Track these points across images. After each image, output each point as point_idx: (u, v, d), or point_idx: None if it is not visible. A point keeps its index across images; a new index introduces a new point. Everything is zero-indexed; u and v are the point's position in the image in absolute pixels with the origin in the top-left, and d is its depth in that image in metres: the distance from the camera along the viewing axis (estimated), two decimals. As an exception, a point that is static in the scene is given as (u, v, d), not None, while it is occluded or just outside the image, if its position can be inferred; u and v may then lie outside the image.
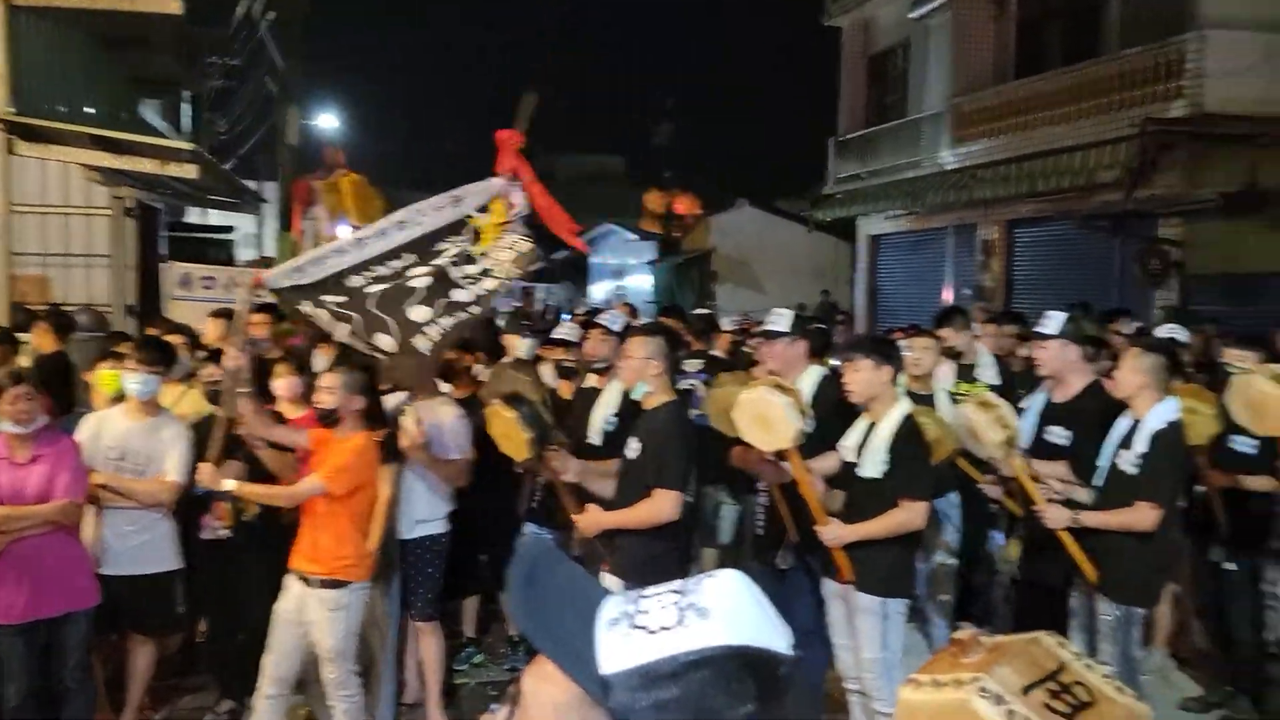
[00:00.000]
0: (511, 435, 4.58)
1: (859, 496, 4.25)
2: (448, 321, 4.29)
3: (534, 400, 4.68)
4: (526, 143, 4.52)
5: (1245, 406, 4.26)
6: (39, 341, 6.78)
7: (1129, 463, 4.24)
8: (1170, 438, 4.21)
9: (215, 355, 5.67)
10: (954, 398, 5.60)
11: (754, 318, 11.60)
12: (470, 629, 5.99)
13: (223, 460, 4.46)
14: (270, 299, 4.95)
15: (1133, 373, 4.31)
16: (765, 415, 4.24)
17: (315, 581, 4.34)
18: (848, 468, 4.33)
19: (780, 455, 4.34)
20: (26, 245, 10.22)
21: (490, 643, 6.06)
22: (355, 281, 4.25)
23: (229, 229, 19.24)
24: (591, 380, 5.41)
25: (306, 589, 4.35)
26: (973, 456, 5.07)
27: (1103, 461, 4.39)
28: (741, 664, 0.92)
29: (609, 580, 4.32)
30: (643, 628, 0.94)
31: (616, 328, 5.26)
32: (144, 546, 4.71)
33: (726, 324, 9.19)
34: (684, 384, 6.07)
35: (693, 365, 6.82)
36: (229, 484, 4.37)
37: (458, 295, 4.30)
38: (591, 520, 4.36)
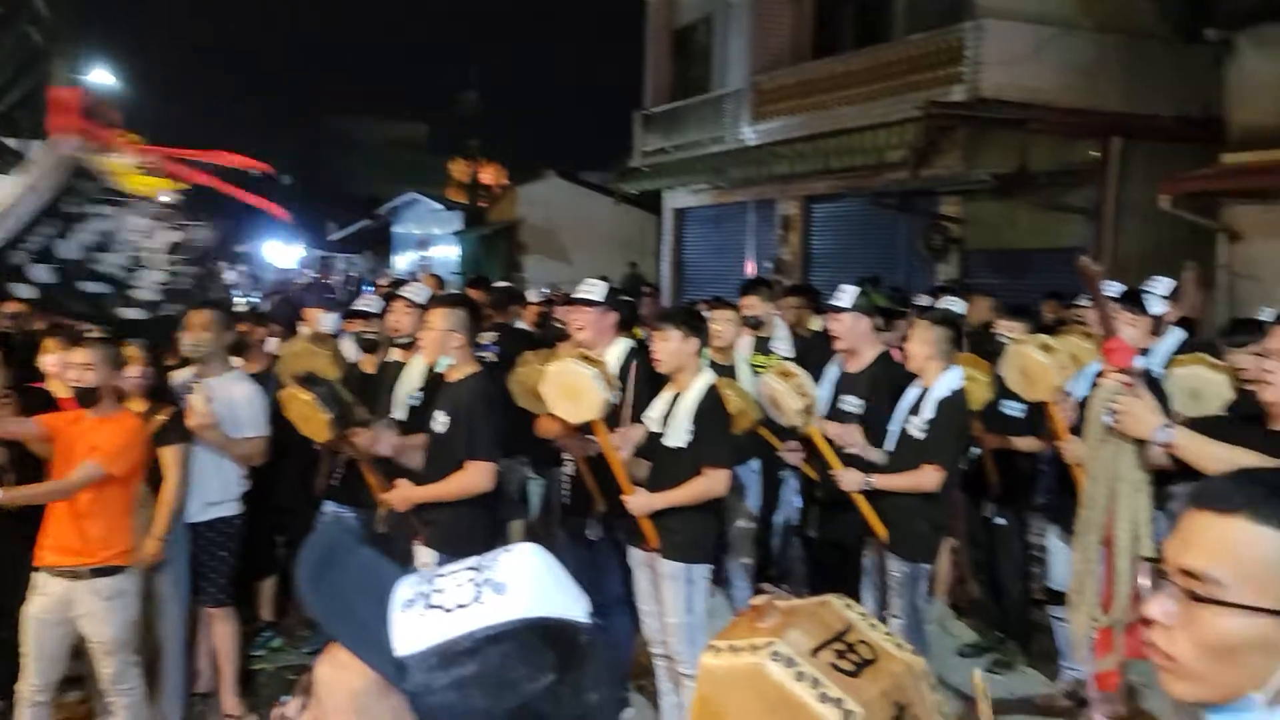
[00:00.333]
0: (310, 417, 4.42)
1: (664, 465, 4.33)
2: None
3: (331, 379, 4.52)
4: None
5: (1017, 374, 4.58)
6: None
7: (917, 428, 4.49)
8: (954, 404, 4.48)
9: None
10: (753, 369, 5.78)
11: (561, 289, 11.60)
12: (268, 612, 5.76)
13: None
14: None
15: (922, 344, 4.56)
16: (572, 387, 4.25)
17: (85, 572, 4.03)
18: (653, 438, 4.40)
19: (587, 427, 4.36)
20: None
21: (289, 625, 5.84)
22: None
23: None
24: (395, 354, 5.27)
25: (73, 583, 4.03)
26: (773, 424, 5.25)
27: (893, 427, 4.63)
28: (541, 635, 0.93)
29: (423, 554, 4.26)
30: (439, 606, 0.93)
31: (421, 300, 5.13)
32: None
33: (534, 296, 9.15)
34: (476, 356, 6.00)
35: (487, 337, 6.74)
36: None
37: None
38: (402, 496, 4.31)
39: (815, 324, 7.07)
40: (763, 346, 6.25)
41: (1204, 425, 3.05)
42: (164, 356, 4.88)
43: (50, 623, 4.04)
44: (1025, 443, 5.18)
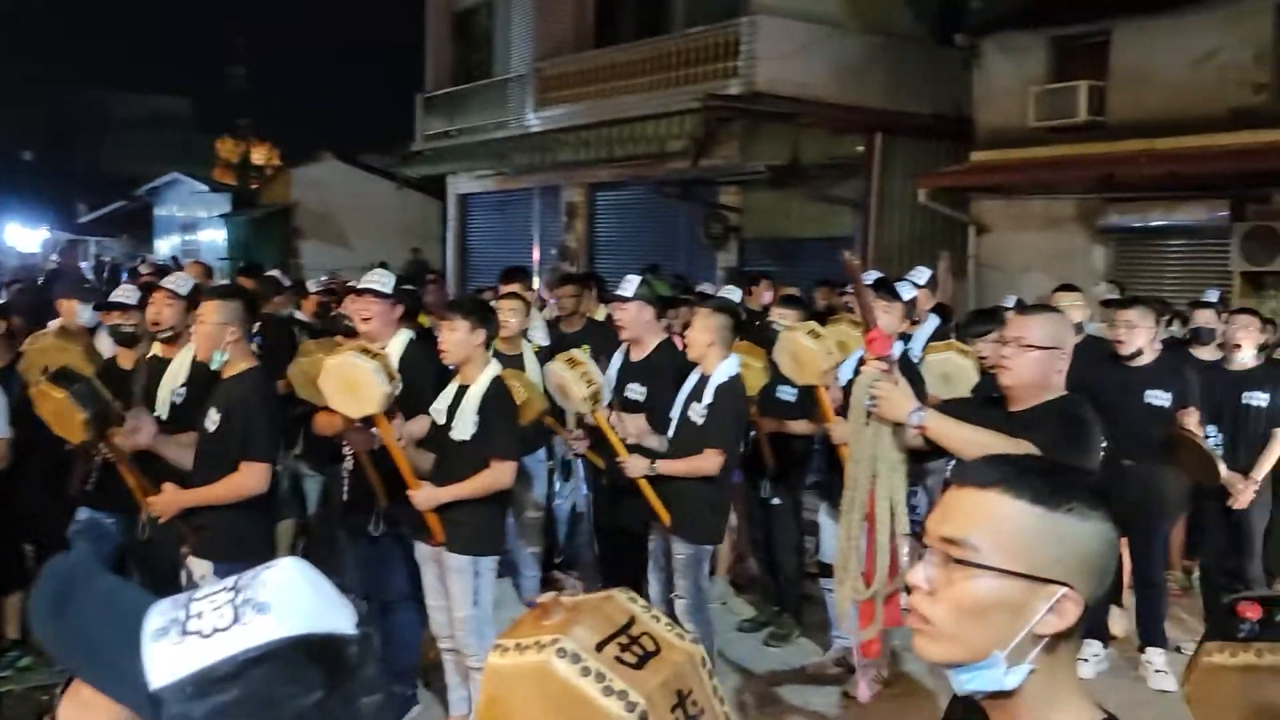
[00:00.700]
0: (64, 416, 4.09)
1: (450, 458, 4.28)
2: None
3: (87, 375, 4.20)
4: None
5: (789, 360, 4.80)
6: None
7: (698, 414, 4.63)
8: (731, 390, 4.65)
9: None
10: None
11: (340, 276, 11.22)
12: (14, 629, 5.30)
13: None
14: None
15: (703, 332, 4.70)
16: (352, 380, 4.12)
17: None
18: (439, 430, 4.34)
19: (369, 421, 4.25)
20: None
21: (39, 643, 5.40)
22: None
23: None
24: (156, 348, 4.94)
25: None
26: (559, 413, 5.29)
27: (675, 413, 4.76)
28: (307, 652, 0.90)
29: (194, 564, 4.01)
30: (196, 632, 0.89)
31: (183, 291, 4.83)
32: None
33: (313, 286, 8.77)
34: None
35: None
36: None
37: None
38: (169, 500, 4.03)
39: (600, 313, 7.15)
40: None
41: (953, 407, 3.31)
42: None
43: None
44: (798, 426, 5.44)
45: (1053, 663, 1.20)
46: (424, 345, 5.03)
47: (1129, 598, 5.57)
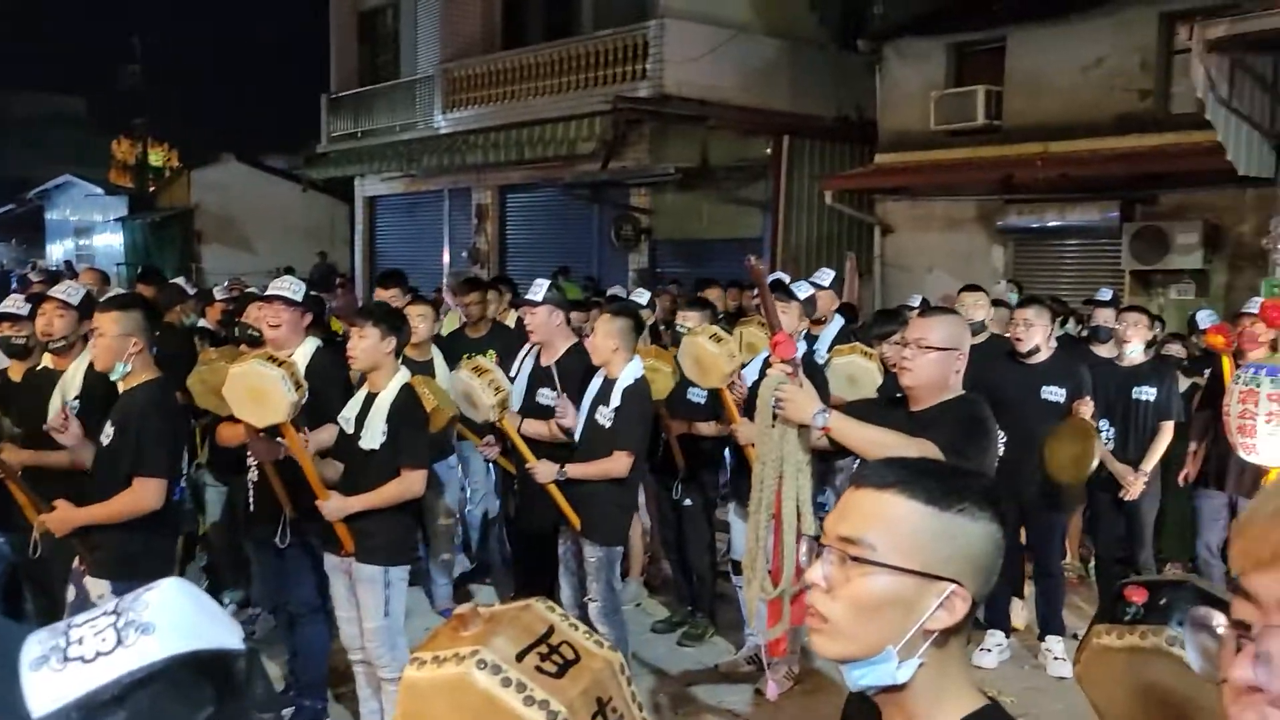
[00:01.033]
0: (-54, 430, 3.91)
1: (359, 467, 4.21)
2: None
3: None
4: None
5: (692, 363, 4.84)
6: None
7: (605, 417, 4.65)
8: (637, 392, 4.67)
9: None
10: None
11: (243, 281, 10.94)
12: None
13: None
14: None
15: (606, 336, 4.71)
16: (257, 389, 4.03)
17: None
18: (347, 439, 4.27)
19: (274, 430, 4.16)
20: None
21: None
22: None
23: None
24: (47, 359, 4.76)
25: None
26: (469, 420, 5.25)
27: (581, 417, 4.76)
28: (195, 669, 0.90)
29: (91, 584, 3.87)
30: (78, 658, 0.88)
31: (74, 300, 4.67)
32: None
33: (219, 293, 8.50)
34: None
35: None
36: None
37: None
38: (61, 518, 3.87)
39: (510, 317, 7.12)
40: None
41: (857, 408, 3.38)
42: None
43: None
44: (707, 427, 5.49)
45: (942, 656, 1.25)
46: (331, 353, 4.95)
47: (1029, 589, 5.76)
